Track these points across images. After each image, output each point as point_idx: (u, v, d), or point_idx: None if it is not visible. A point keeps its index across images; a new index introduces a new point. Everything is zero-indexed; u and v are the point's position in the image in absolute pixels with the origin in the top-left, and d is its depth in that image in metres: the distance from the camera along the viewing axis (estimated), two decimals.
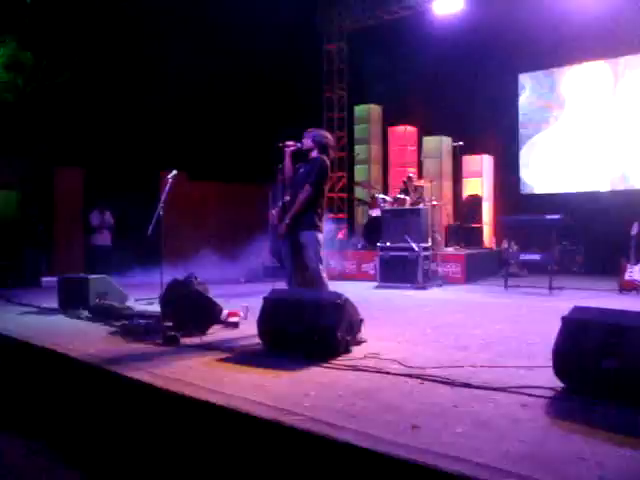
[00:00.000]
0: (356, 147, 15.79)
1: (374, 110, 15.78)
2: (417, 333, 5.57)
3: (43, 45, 14.57)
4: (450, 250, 11.86)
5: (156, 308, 6.47)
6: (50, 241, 13.37)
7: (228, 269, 10.31)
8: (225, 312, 5.97)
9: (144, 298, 7.95)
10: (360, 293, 8.75)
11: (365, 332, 5.00)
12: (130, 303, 7.51)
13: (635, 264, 8.57)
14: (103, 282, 7.51)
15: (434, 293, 9.44)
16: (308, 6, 15.68)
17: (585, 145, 13.17)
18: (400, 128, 15.25)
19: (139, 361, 4.42)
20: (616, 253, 9.21)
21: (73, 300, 7.27)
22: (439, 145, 14.38)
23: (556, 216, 9.02)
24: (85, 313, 6.81)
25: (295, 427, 2.86)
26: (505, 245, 11.63)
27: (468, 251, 11.54)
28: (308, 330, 4.48)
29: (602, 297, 8.08)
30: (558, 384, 3.42)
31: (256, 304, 5.26)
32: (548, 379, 3.49)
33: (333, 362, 4.23)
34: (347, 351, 4.53)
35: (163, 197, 8.16)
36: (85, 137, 14.45)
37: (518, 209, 13.90)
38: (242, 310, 6.24)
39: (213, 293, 6.08)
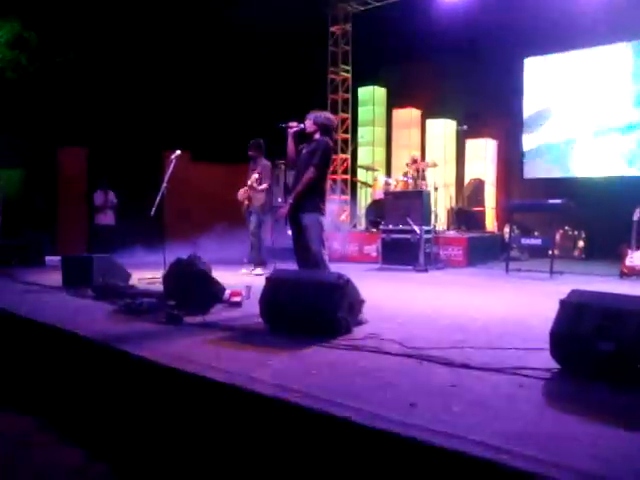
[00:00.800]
0: (360, 129, 15.77)
1: (378, 92, 15.75)
2: (417, 315, 5.62)
3: (47, 24, 14.53)
4: (452, 233, 11.89)
5: (159, 287, 6.52)
6: (54, 220, 13.42)
7: (231, 249, 10.35)
8: (227, 292, 6.02)
9: (147, 277, 8.01)
10: (362, 275, 8.80)
11: (366, 313, 5.05)
12: (133, 282, 7.58)
13: (636, 250, 8.59)
14: (106, 261, 7.57)
15: (435, 276, 9.48)
16: None
17: (589, 130, 13.14)
18: (404, 110, 15.22)
19: (142, 339, 4.47)
20: (618, 239, 9.22)
21: (77, 279, 7.33)
22: (443, 128, 14.36)
23: (558, 201, 9.03)
24: (89, 292, 6.87)
25: (296, 404, 2.92)
26: (507, 229, 11.65)
27: (470, 234, 11.56)
28: (310, 310, 4.53)
29: (602, 282, 8.11)
30: (555, 366, 3.47)
31: (258, 284, 5.31)
32: (545, 361, 3.53)
33: (334, 342, 4.28)
34: (348, 331, 4.58)
35: (166, 177, 8.24)
36: (89, 117, 14.46)
37: (521, 193, 13.92)
38: (244, 290, 6.29)
39: (216, 273, 6.12)
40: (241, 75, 15.74)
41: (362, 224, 13.43)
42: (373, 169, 14.34)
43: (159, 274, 7.19)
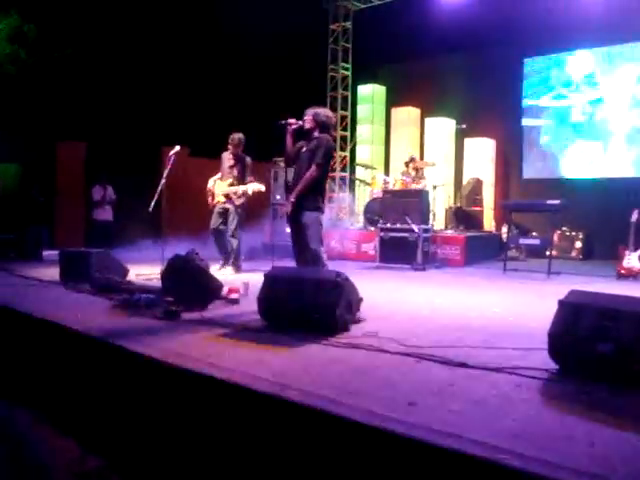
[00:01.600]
0: (359, 127, 15.78)
1: (378, 90, 15.76)
2: (415, 313, 5.62)
3: (47, 17, 14.50)
4: (450, 232, 11.89)
5: (157, 283, 6.51)
6: (51, 215, 13.40)
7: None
8: (225, 288, 6.01)
9: (145, 273, 8.00)
10: (360, 273, 8.80)
11: (364, 311, 5.05)
12: (131, 278, 7.57)
13: (633, 251, 8.62)
14: (104, 256, 7.55)
15: (433, 274, 9.49)
16: None
17: (588, 131, 13.16)
18: (403, 109, 15.22)
19: (139, 334, 4.46)
20: (615, 240, 9.25)
21: (74, 274, 7.31)
22: (442, 127, 14.36)
23: (556, 201, 9.04)
24: (86, 287, 6.86)
25: (294, 401, 2.92)
26: (505, 229, 11.67)
27: (468, 234, 11.57)
28: (308, 308, 4.53)
29: (600, 282, 8.12)
30: (553, 366, 3.47)
31: (256, 281, 5.31)
32: (543, 361, 3.54)
33: (332, 340, 4.28)
34: (346, 329, 4.58)
35: (165, 173, 8.23)
36: (88, 111, 14.45)
37: (520, 194, 13.96)
38: (242, 287, 6.29)
39: (213, 270, 6.12)
40: (241, 71, 15.73)
41: (360, 222, 13.43)
42: (372, 167, 14.34)
43: (157, 270, 7.19)
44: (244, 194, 8.90)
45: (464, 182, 14.21)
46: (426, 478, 2.40)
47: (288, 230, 6.11)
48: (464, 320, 5.21)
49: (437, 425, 2.56)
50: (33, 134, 14.28)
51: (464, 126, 13.15)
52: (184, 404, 3.53)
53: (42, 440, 4.12)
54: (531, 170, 14.10)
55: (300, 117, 5.82)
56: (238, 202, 8.95)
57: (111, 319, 5.12)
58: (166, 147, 10.95)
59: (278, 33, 14.59)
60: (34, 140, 14.26)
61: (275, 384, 3.16)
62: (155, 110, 14.84)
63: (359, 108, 15.89)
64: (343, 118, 16.21)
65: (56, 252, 8.80)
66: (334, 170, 15.78)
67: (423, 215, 10.28)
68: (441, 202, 13.17)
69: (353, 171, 15.81)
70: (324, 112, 5.88)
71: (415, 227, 9.99)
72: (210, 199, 9.19)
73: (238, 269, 8.99)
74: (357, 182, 14.45)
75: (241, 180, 9.03)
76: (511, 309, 5.96)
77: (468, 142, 14.33)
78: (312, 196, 5.63)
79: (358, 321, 4.90)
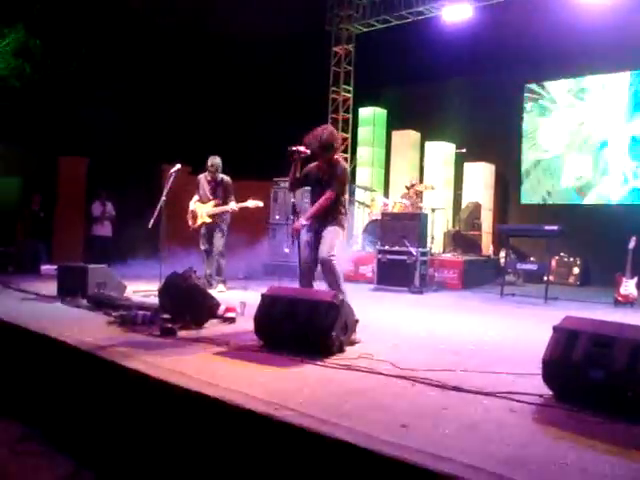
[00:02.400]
0: (359, 149, 15.85)
1: (379, 113, 15.85)
2: (411, 336, 5.63)
3: (52, 33, 14.62)
4: (448, 256, 11.92)
5: (154, 300, 6.52)
6: (51, 229, 13.42)
7: (227, 265, 10.37)
8: (222, 307, 6.02)
9: (143, 290, 8.01)
10: (357, 294, 8.79)
11: (360, 333, 5.06)
12: (129, 294, 7.57)
13: (630, 278, 8.64)
14: (102, 272, 7.57)
15: (430, 298, 9.50)
16: (318, 6, 15.75)
17: (585, 157, 13.23)
18: (404, 132, 15.31)
19: (135, 351, 4.47)
20: (613, 266, 9.26)
21: (72, 289, 7.32)
22: (442, 151, 14.43)
23: (554, 227, 9.08)
24: (84, 302, 6.86)
25: (288, 422, 2.92)
26: (503, 254, 11.69)
27: (466, 258, 11.59)
28: (304, 328, 4.54)
29: (596, 309, 8.13)
30: (547, 391, 3.48)
31: (253, 300, 5.32)
32: (537, 386, 3.55)
33: (327, 361, 4.29)
34: (341, 351, 4.59)
35: (165, 190, 8.27)
36: (91, 126, 14.51)
37: (518, 218, 14.00)
38: (239, 306, 6.30)
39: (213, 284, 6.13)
40: (242, 91, 15.83)
41: (358, 244, 13.45)
42: (371, 190, 14.39)
43: (155, 287, 7.20)
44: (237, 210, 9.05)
45: (463, 206, 14.24)
46: None
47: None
48: (460, 344, 5.22)
49: (430, 448, 2.57)
50: (36, 148, 14.34)
51: (464, 150, 13.21)
52: (179, 421, 3.53)
53: (34, 455, 4.11)
54: (530, 195, 14.15)
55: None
56: (224, 222, 9.14)
57: (107, 335, 5.13)
58: (167, 164, 11.01)
59: (280, 54, 14.71)
60: (36, 154, 14.32)
61: (270, 404, 3.17)
62: (157, 127, 14.92)
63: (360, 130, 15.97)
64: (344, 140, 16.25)
65: (54, 266, 8.82)
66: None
67: (421, 238, 10.31)
68: (440, 226, 13.21)
69: (352, 193, 15.86)
70: (328, 131, 5.81)
71: (413, 250, 10.02)
72: (192, 221, 9.23)
73: (225, 283, 9.09)
74: (356, 204, 14.50)
75: (225, 201, 9.15)
76: (507, 334, 5.97)
77: (467, 166, 14.38)
78: (332, 214, 5.68)
79: (354, 343, 4.91)
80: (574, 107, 13.50)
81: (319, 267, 5.59)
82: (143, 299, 7.30)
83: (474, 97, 13.99)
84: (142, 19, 14.67)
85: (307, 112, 14.40)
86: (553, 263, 11.85)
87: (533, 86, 14.18)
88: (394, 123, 15.78)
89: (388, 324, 6.41)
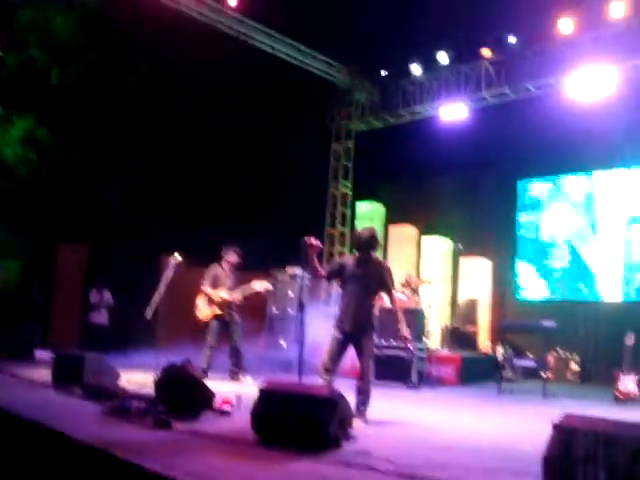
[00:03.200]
0: None
1: (377, 208, 16.10)
2: (408, 432, 5.56)
3: (59, 122, 15.02)
4: (445, 352, 11.85)
5: (149, 391, 6.46)
6: (47, 314, 13.37)
7: (222, 357, 10.29)
8: (218, 399, 5.96)
9: (138, 379, 7.92)
10: (352, 389, 8.70)
11: (357, 428, 5.01)
12: (124, 383, 7.49)
13: (629, 374, 8.59)
14: (98, 360, 7.51)
15: (427, 394, 9.39)
16: (318, 105, 16.29)
17: (582, 254, 13.38)
18: (401, 228, 15.50)
19: (128, 443, 4.40)
20: (611, 362, 9.23)
21: (67, 376, 7.24)
22: (439, 246, 14.59)
23: (551, 322, 9.11)
24: (78, 390, 6.79)
25: None
26: (500, 350, 11.65)
27: (463, 354, 11.53)
28: (300, 423, 4.49)
29: (596, 406, 8.04)
30: None
31: (249, 393, 5.28)
32: None
33: (324, 457, 4.22)
34: (338, 446, 4.52)
35: (164, 280, 8.32)
36: (91, 214, 14.70)
37: (514, 314, 14.01)
38: (235, 399, 6.23)
39: (207, 380, 6.09)
40: (241, 185, 16.09)
41: None
42: None
43: (150, 377, 7.14)
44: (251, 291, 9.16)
45: (460, 301, 14.28)
46: None
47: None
48: (458, 440, 5.15)
49: None
50: (35, 233, 14.46)
51: (460, 246, 13.37)
52: None
53: None
54: (526, 290, 14.22)
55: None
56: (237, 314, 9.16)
57: (101, 426, 5.06)
58: (166, 254, 11.09)
59: (282, 150, 15.05)
60: (36, 239, 14.44)
61: None
62: (157, 217, 15.10)
63: (358, 225, 16.17)
64: (342, 235, 16.47)
65: (49, 352, 8.76)
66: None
67: (418, 334, 10.28)
68: (436, 321, 13.20)
69: None
70: (368, 232, 6.07)
71: (410, 345, 9.97)
72: (208, 312, 9.21)
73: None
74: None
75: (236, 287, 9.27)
76: (506, 431, 5.90)
77: (464, 262, 14.51)
78: (371, 317, 5.82)
79: (350, 438, 4.84)
80: (568, 203, 13.73)
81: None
82: (138, 389, 7.21)
83: (470, 193, 14.30)
84: (142, 111, 15.09)
85: (306, 207, 14.65)
86: (551, 359, 11.79)
87: (526, 182, 14.50)
88: (392, 218, 16.01)
89: (385, 420, 6.32)
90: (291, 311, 12.16)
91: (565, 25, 12.08)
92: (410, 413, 7.07)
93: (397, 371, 9.99)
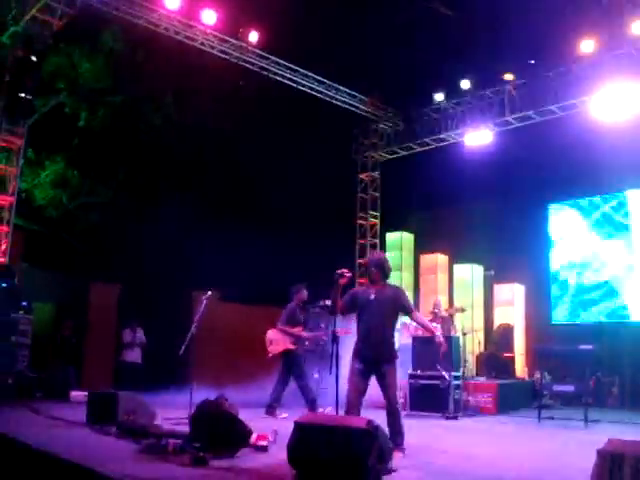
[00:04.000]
0: None
1: (406, 237, 16.02)
2: (448, 463, 5.45)
3: (90, 164, 15.27)
4: (482, 380, 11.67)
5: (184, 428, 6.42)
6: (81, 355, 13.45)
7: (258, 392, 10.23)
8: (254, 435, 5.90)
9: (173, 417, 7.89)
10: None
11: (395, 460, 4.91)
12: (159, 421, 7.46)
13: None
14: (132, 399, 7.50)
15: (465, 423, 9.23)
16: (344, 137, 16.38)
17: (616, 273, 13.14)
18: (432, 256, 15.39)
19: None
20: None
21: (101, 415, 7.24)
22: (470, 273, 14.45)
23: (589, 346, 8.93)
24: (113, 429, 6.78)
25: None
26: (538, 375, 11.42)
27: (500, 381, 11.34)
28: (338, 457, 4.42)
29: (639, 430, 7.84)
30: None
31: (284, 428, 5.22)
32: None
33: None
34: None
35: (197, 317, 8.31)
36: (123, 254, 14.83)
37: (550, 339, 13.76)
38: (271, 434, 6.17)
39: (242, 416, 6.04)
40: (270, 220, 16.14)
41: None
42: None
43: (185, 414, 7.11)
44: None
45: (494, 327, 14.10)
46: None
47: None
48: (500, 471, 5.03)
49: None
50: (68, 274, 14.61)
51: (492, 272, 13.22)
52: None
53: None
54: (561, 314, 13.99)
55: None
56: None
57: (137, 464, 5.03)
58: (196, 291, 11.12)
59: (310, 182, 15.10)
60: (69, 280, 14.58)
61: None
62: (187, 255, 15.18)
63: (387, 255, 16.09)
64: None
65: (84, 392, 8.77)
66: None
67: (454, 362, 10.13)
68: (472, 349, 13.03)
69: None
70: (378, 257, 6.08)
71: (446, 374, 9.84)
72: (281, 347, 9.46)
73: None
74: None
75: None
76: (549, 460, 5.75)
77: (497, 288, 14.36)
78: (392, 344, 5.77)
79: (390, 471, 4.75)
80: (603, 226, 13.53)
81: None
82: (174, 427, 7.17)
83: (500, 218, 14.18)
84: (170, 154, 15.30)
85: (335, 239, 14.64)
86: (591, 383, 11.53)
87: (557, 205, 14.35)
88: (422, 246, 15.91)
89: (424, 451, 6.21)
90: (324, 344, 12.10)
91: (586, 45, 12.02)
92: (449, 443, 6.94)
93: (434, 401, 9.84)
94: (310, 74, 14.18)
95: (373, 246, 16.53)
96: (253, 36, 12.85)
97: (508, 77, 13.53)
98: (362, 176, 16.75)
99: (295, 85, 14.18)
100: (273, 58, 13.53)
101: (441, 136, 15.10)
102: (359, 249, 16.41)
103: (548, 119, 13.42)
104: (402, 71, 14.06)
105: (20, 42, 11.20)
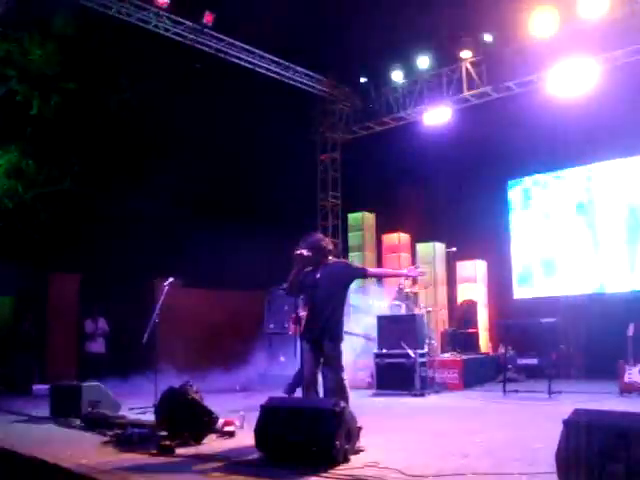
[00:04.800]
0: (350, 254, 15.91)
1: (367, 218, 16.02)
2: (416, 440, 5.47)
3: (45, 152, 14.90)
4: (447, 356, 11.76)
5: (150, 417, 6.35)
6: (43, 347, 13.22)
7: (223, 377, 10.19)
8: (221, 421, 5.85)
9: (138, 407, 7.80)
10: (357, 400, 8.61)
11: (364, 440, 4.90)
12: (124, 412, 7.38)
13: (633, 365, 8.51)
14: (96, 390, 7.41)
15: (432, 400, 9.30)
16: (303, 118, 16.27)
17: (577, 247, 13.28)
18: (393, 235, 15.43)
19: (132, 472, 4.31)
20: (615, 354, 9.13)
21: (65, 408, 7.15)
22: (432, 251, 14.52)
23: (551, 319, 9.05)
24: (77, 422, 6.68)
25: None
26: (502, 350, 11.56)
27: (465, 357, 11.44)
28: (306, 439, 4.40)
29: (603, 400, 7.98)
30: None
31: (252, 412, 5.18)
32: None
33: (332, 472, 4.13)
34: (346, 460, 4.42)
35: (159, 304, 8.21)
36: (81, 243, 14.55)
37: (513, 313, 13.90)
38: (238, 419, 6.13)
39: (209, 401, 5.98)
40: (231, 204, 16.00)
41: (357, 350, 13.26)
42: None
43: (150, 403, 7.03)
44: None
45: (458, 304, 14.21)
46: None
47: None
48: (467, 445, 5.05)
49: None
50: (26, 265, 14.30)
51: (454, 249, 13.29)
52: None
53: None
54: (524, 289, 14.14)
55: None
56: None
57: (103, 456, 4.95)
58: (159, 278, 10.97)
59: (269, 166, 14.98)
60: (27, 272, 14.27)
61: None
62: (147, 241, 14.97)
63: (350, 236, 16.09)
64: (335, 246, 16.37)
65: (47, 386, 8.63)
66: None
67: (419, 340, 10.19)
68: (436, 326, 13.12)
69: None
70: (316, 238, 5.88)
71: (411, 352, 9.89)
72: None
73: None
74: (351, 308, 14.39)
75: None
76: (515, 432, 5.81)
77: (460, 265, 14.44)
78: (336, 325, 5.55)
79: (358, 451, 4.74)
80: (561, 199, 13.66)
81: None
82: (139, 416, 7.11)
83: (460, 195, 14.23)
84: (133, 140, 15.02)
85: (296, 221, 14.55)
86: (553, 356, 11.70)
87: (516, 181, 14.45)
88: (383, 227, 15.94)
89: (392, 429, 6.23)
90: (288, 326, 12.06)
91: (542, 21, 12.08)
92: (417, 421, 6.98)
93: (400, 379, 9.89)
94: (267, 55, 14.03)
95: (335, 227, 16.52)
96: (207, 17, 12.65)
97: (465, 54, 13.56)
98: (322, 157, 16.69)
99: (252, 67, 14.02)
100: (228, 40, 13.34)
101: (400, 115, 15.08)
102: (321, 230, 16.36)
103: (506, 96, 13.50)
104: (359, 50, 13.95)
105: None
